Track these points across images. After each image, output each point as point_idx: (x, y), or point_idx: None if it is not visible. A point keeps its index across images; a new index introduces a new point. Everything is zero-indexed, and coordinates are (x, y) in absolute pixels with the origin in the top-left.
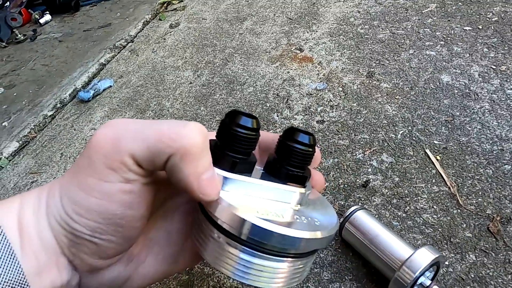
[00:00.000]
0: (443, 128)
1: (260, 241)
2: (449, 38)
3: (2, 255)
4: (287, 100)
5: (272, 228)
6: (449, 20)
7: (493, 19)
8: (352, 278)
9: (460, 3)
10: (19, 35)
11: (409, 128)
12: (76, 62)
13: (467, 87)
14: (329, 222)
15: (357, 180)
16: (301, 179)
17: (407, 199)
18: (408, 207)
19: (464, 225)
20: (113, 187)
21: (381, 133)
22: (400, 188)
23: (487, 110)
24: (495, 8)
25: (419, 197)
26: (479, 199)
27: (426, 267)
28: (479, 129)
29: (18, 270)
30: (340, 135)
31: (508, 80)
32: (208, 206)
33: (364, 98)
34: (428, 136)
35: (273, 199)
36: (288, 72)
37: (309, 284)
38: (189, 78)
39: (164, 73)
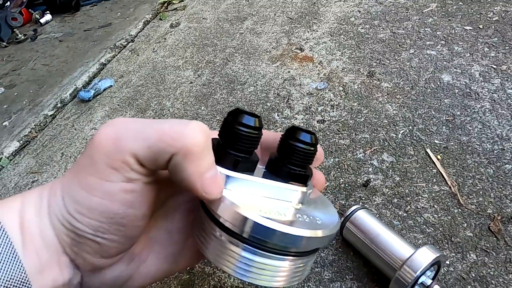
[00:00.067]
0: (444, 127)
1: (262, 239)
2: (449, 38)
3: (3, 254)
4: (288, 99)
5: (275, 226)
6: (449, 20)
7: (493, 19)
8: (353, 277)
9: (460, 3)
10: (20, 35)
11: (410, 127)
12: (76, 61)
13: (468, 87)
14: (331, 221)
15: (358, 179)
16: (303, 178)
17: (408, 198)
18: (409, 207)
19: (465, 224)
20: (115, 187)
21: (381, 133)
22: (400, 188)
23: (487, 110)
24: (495, 8)
25: (420, 197)
26: (480, 199)
27: (427, 266)
28: (480, 128)
29: (20, 269)
30: (340, 135)
31: (509, 80)
32: (210, 204)
33: (365, 98)
34: (428, 136)
35: (275, 197)
36: (289, 72)
37: (310, 284)
38: (190, 78)
39: (164, 72)
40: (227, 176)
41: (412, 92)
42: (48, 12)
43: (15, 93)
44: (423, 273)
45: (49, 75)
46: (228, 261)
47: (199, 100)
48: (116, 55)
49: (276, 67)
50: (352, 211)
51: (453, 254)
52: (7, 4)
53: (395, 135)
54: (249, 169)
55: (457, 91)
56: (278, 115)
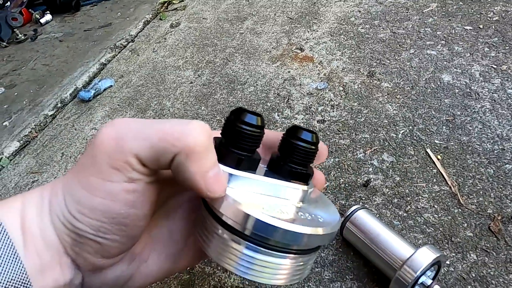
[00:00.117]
0: (444, 127)
1: (264, 237)
2: (450, 38)
3: (4, 254)
4: (288, 99)
5: (277, 223)
6: (450, 20)
7: (494, 19)
8: (353, 277)
9: (461, 3)
10: (20, 35)
11: (410, 127)
12: (76, 61)
13: (468, 87)
14: (332, 219)
15: (358, 179)
16: (304, 177)
17: (408, 198)
18: (409, 207)
19: (465, 224)
20: (117, 187)
21: (382, 133)
22: (401, 188)
23: (488, 110)
24: (496, 8)
25: (420, 197)
26: (480, 199)
27: (427, 266)
28: (480, 128)
29: (21, 269)
30: (341, 135)
31: (509, 80)
32: (213, 202)
33: (365, 98)
34: (429, 136)
35: (276, 196)
36: (289, 72)
37: (310, 283)
38: (190, 78)
39: (164, 72)
40: (230, 175)
41: (412, 92)
42: (48, 12)
43: (15, 93)
44: (423, 273)
45: (49, 75)
46: (230, 258)
47: (199, 100)
48: (116, 55)
49: (276, 67)
50: (352, 211)
51: (453, 254)
52: (7, 4)
53: (395, 135)
54: (252, 168)
55: (457, 91)
56: (278, 115)
